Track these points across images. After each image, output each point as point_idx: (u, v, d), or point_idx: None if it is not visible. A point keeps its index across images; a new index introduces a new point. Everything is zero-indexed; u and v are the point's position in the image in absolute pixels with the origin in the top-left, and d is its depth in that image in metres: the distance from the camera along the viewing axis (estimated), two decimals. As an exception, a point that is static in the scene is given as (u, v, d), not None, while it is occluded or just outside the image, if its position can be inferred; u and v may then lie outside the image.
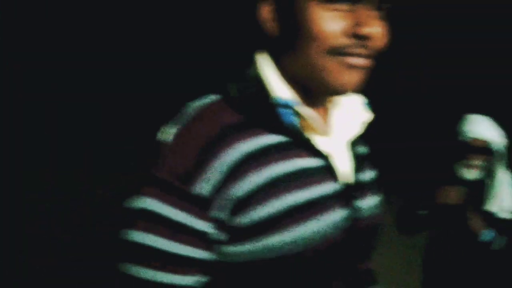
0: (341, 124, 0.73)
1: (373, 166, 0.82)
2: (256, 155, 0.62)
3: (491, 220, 1.78)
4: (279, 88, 0.66)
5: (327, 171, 0.67)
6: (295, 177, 0.63)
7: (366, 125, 0.76)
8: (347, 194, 0.69)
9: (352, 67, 0.62)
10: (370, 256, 0.77)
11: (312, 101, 0.70)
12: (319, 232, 0.63)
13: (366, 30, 0.60)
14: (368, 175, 0.78)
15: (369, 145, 0.85)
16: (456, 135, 1.86)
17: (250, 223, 0.60)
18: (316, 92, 0.67)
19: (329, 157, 0.67)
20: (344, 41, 0.61)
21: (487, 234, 1.73)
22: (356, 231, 0.70)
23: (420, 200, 1.89)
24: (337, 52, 0.61)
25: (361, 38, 0.61)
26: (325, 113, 0.73)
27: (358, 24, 0.60)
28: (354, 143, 0.75)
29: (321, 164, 0.67)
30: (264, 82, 0.66)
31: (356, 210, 0.70)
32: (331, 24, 0.60)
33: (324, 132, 0.69)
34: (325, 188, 0.66)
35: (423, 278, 1.96)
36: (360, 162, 0.75)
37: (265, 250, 0.61)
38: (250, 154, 0.61)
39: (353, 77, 0.63)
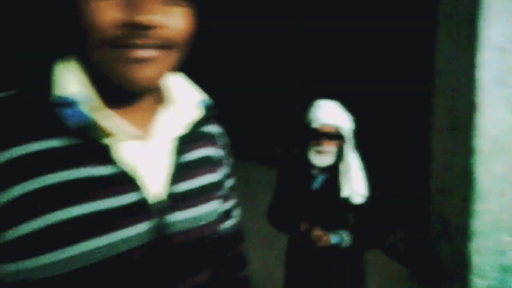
0: (165, 126, 0.66)
1: (217, 170, 0.75)
2: (27, 160, 0.54)
3: (347, 206, 1.79)
4: (66, 85, 0.58)
5: (125, 181, 0.59)
6: (75, 188, 0.56)
7: (194, 125, 0.70)
8: (154, 207, 0.62)
9: (138, 60, 0.56)
10: (197, 273, 0.68)
11: (125, 100, 0.62)
12: (104, 249, 0.56)
13: (139, 18, 0.54)
14: (198, 182, 0.69)
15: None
16: (306, 122, 1.83)
17: (16, 238, 0.53)
18: (119, 89, 0.59)
19: (127, 165, 0.60)
20: (116, 32, 0.54)
21: (334, 239, 1.74)
22: (168, 247, 0.63)
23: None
24: (116, 44, 0.55)
25: (137, 27, 0.54)
26: (149, 114, 0.66)
27: (133, 12, 0.54)
28: (182, 147, 0.68)
29: (116, 172, 0.59)
30: (52, 79, 0.59)
31: (165, 224, 0.62)
32: (100, 14, 0.54)
33: (134, 136, 0.62)
34: (118, 200, 0.58)
35: (284, 280, 1.97)
36: (184, 169, 0.67)
37: (37, 270, 0.53)
38: (19, 159, 0.54)
39: (144, 71, 0.57)
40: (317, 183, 1.85)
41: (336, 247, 1.76)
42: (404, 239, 3.62)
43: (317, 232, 1.72)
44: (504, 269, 1.98)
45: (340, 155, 1.82)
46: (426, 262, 3.40)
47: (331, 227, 1.79)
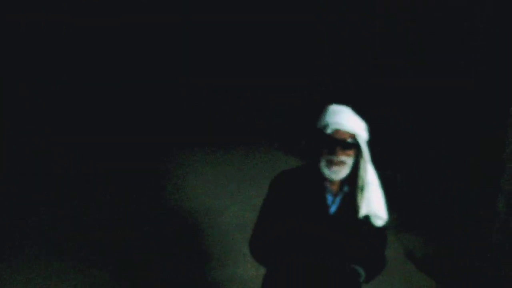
0: None
1: None
2: None
3: (364, 230, 1.60)
4: None
5: None
6: None
7: None
8: None
9: None
10: None
11: None
12: None
13: None
14: None
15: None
16: (318, 128, 1.62)
17: None
18: None
19: None
20: None
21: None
22: None
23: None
24: None
25: None
26: None
27: None
28: None
29: None
30: None
31: None
32: None
33: None
34: None
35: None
36: None
37: None
38: None
39: None
40: (335, 203, 1.62)
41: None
42: (436, 251, 3.43)
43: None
44: None
45: (356, 168, 1.61)
46: (460, 276, 3.24)
47: (341, 258, 1.60)
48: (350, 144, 1.57)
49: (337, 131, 1.57)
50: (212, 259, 3.39)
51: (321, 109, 1.66)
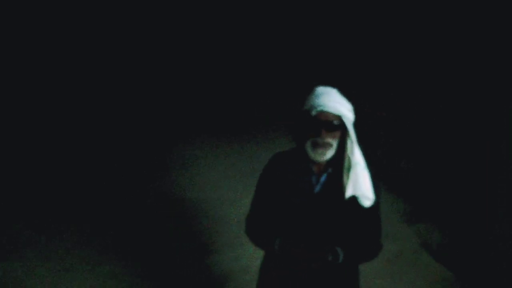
0: None
1: None
2: None
3: (351, 210, 1.60)
4: None
5: None
6: None
7: None
8: None
9: None
10: None
11: None
12: None
13: None
14: None
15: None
16: (303, 110, 1.62)
17: None
18: None
19: None
20: None
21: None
22: None
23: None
24: None
25: None
26: None
27: None
28: None
29: None
30: None
31: None
32: None
33: None
34: None
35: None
36: None
37: None
38: None
39: None
40: (319, 183, 1.63)
41: (327, 265, 1.59)
42: (451, 242, 3.38)
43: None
44: None
45: (342, 150, 1.61)
46: (476, 267, 3.18)
47: (327, 239, 1.59)
48: (335, 125, 1.56)
49: (322, 112, 1.56)
50: (226, 249, 3.40)
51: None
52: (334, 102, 1.56)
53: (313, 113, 1.57)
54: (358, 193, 1.58)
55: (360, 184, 1.58)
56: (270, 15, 6.38)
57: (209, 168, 4.84)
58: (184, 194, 4.29)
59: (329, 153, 1.58)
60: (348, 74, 5.33)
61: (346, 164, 1.60)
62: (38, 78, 6.22)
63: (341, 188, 1.59)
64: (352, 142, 1.60)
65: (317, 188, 1.63)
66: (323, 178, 1.63)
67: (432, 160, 4.10)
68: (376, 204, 1.63)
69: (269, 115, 6.07)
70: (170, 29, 6.83)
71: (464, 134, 3.71)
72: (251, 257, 3.19)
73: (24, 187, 4.30)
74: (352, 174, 1.58)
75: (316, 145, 1.56)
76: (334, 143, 1.58)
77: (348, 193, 1.58)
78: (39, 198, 4.12)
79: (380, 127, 4.88)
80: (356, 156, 1.60)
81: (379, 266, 3.24)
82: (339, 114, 1.57)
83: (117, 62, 6.66)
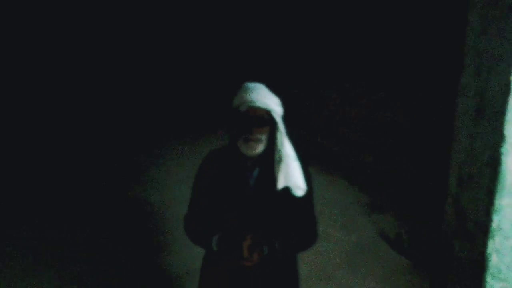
0: None
1: None
2: None
3: (285, 201, 1.61)
4: None
5: None
6: None
7: None
8: None
9: None
10: None
11: None
12: None
13: None
14: None
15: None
16: (233, 107, 1.64)
17: None
18: None
19: None
20: None
21: (265, 251, 1.59)
22: None
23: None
24: None
25: None
26: None
27: None
28: None
29: None
30: None
31: None
32: None
33: None
34: None
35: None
36: None
37: None
38: None
39: None
40: (253, 177, 1.65)
41: (265, 259, 1.59)
42: (408, 231, 3.44)
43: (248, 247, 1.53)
44: (525, 272, 1.80)
45: (272, 143, 1.65)
46: (433, 257, 3.24)
47: (264, 231, 1.60)
48: (265, 120, 1.59)
49: (251, 108, 1.58)
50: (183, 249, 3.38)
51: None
52: (263, 97, 1.58)
53: (242, 109, 1.58)
54: (290, 184, 1.61)
55: (291, 175, 1.60)
56: (270, 15, 6.35)
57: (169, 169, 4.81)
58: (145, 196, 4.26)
59: (260, 147, 1.61)
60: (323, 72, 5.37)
61: (277, 156, 1.64)
62: (37, 82, 6.20)
63: (274, 181, 1.61)
64: (282, 135, 1.63)
65: (251, 182, 1.65)
66: (256, 173, 1.65)
67: (393, 154, 4.17)
68: (309, 193, 1.66)
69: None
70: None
71: (423, 129, 3.80)
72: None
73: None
74: (283, 166, 1.61)
75: (247, 141, 1.59)
76: (264, 138, 1.61)
77: (280, 184, 1.61)
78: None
79: (342, 122, 4.94)
80: (286, 149, 1.63)
81: (340, 256, 3.28)
82: (268, 109, 1.59)
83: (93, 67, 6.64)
